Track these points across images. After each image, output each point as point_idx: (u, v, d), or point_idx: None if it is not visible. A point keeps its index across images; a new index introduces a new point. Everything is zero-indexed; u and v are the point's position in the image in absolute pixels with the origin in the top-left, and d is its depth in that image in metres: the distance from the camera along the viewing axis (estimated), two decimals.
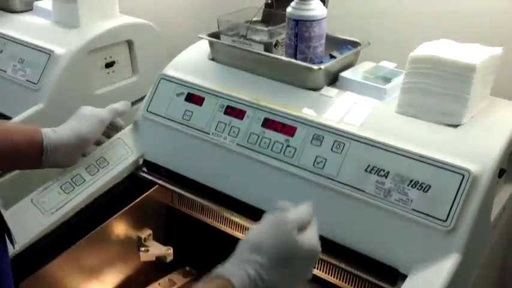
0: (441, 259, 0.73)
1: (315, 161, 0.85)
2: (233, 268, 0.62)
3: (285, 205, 0.69)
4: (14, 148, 0.85)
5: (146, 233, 1.04)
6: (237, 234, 1.00)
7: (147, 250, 1.01)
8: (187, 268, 1.13)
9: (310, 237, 0.67)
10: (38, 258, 0.86)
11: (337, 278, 0.88)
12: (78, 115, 0.94)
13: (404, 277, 0.75)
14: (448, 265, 0.72)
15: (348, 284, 0.87)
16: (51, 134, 0.89)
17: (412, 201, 0.76)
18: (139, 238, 1.03)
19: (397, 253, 0.77)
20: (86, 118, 0.93)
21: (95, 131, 0.94)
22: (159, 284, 1.07)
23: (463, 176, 0.74)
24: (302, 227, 0.67)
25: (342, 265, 0.84)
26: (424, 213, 0.75)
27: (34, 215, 0.89)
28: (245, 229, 0.98)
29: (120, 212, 0.98)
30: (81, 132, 0.92)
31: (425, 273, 0.73)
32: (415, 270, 0.74)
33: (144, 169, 1.03)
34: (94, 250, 0.96)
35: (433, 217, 0.74)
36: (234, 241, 1.00)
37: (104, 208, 0.96)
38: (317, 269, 0.90)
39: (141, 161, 1.03)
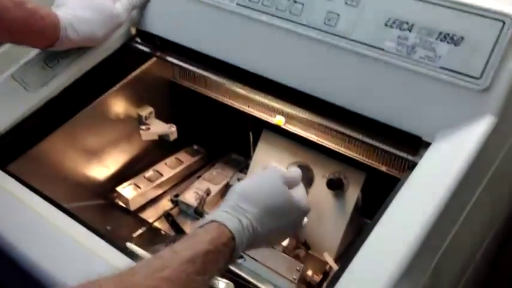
0: (472, 123, 0.63)
1: (325, 18, 0.73)
2: (226, 214, 0.60)
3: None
4: (28, 35, 0.79)
5: (147, 110, 0.96)
6: (244, 107, 0.91)
7: (148, 128, 0.94)
8: (195, 146, 1.07)
9: (299, 193, 0.69)
10: (27, 138, 0.79)
11: (350, 149, 0.80)
12: (99, 9, 0.84)
13: (428, 145, 0.66)
14: (480, 129, 0.62)
15: (365, 156, 0.79)
16: (71, 33, 0.81)
17: (440, 57, 0.65)
18: (139, 116, 0.96)
19: (420, 119, 0.68)
20: (106, 20, 0.85)
21: (110, 34, 0.88)
22: (165, 163, 1.02)
23: (503, 24, 0.61)
24: (291, 185, 0.68)
25: (359, 136, 0.76)
26: (454, 71, 0.64)
27: (17, 92, 0.81)
28: (256, 103, 0.90)
29: (115, 87, 0.90)
30: (98, 37, 0.85)
31: (453, 139, 0.63)
32: (441, 137, 0.65)
33: (138, 40, 0.92)
34: (90, 129, 0.89)
35: (465, 75, 0.63)
36: (241, 115, 0.93)
37: (96, 83, 0.87)
38: (328, 140, 0.82)
39: (133, 31, 0.92)
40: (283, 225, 0.65)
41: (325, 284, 0.78)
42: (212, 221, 0.58)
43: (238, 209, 0.60)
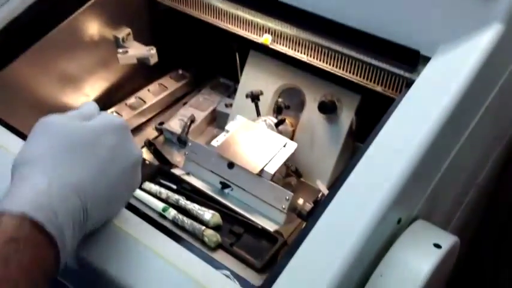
0: (477, 33, 0.56)
1: None
2: (15, 195, 0.42)
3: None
4: None
5: (124, 32, 0.89)
6: (229, 26, 0.83)
7: (126, 52, 0.86)
8: (180, 71, 1.00)
9: (99, 117, 0.50)
10: None
11: (342, 69, 0.73)
12: None
13: (427, 61, 0.59)
14: (485, 39, 0.55)
15: (359, 76, 0.72)
16: None
17: None
18: (116, 38, 0.88)
19: (418, 30, 0.61)
20: None
21: None
22: (148, 90, 0.96)
23: None
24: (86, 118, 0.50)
25: (352, 53, 0.70)
26: None
27: None
28: (241, 21, 0.82)
29: (85, 6, 0.82)
30: None
31: (455, 52, 0.57)
32: (442, 51, 0.58)
33: None
34: (62, 53, 0.82)
35: None
36: (226, 35, 0.86)
37: (63, 1, 0.79)
38: (319, 59, 0.75)
39: None
40: (98, 161, 0.46)
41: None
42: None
43: (30, 176, 0.43)
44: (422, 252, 0.49)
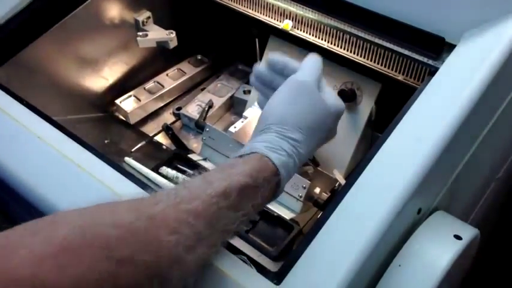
0: (505, 20, 0.55)
1: None
2: (268, 145, 0.51)
3: (277, 57, 0.60)
4: None
5: (144, 15, 0.88)
6: (249, 11, 0.82)
7: (146, 35, 0.86)
8: (199, 56, 1.00)
9: (331, 94, 0.58)
10: (11, 43, 0.73)
11: (363, 56, 0.72)
12: None
13: (452, 48, 0.58)
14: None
15: (380, 63, 0.71)
16: None
17: None
18: (136, 22, 0.88)
19: (443, 16, 0.59)
20: None
21: None
22: (167, 74, 0.96)
23: None
24: (320, 87, 0.57)
25: (374, 38, 0.68)
26: None
27: None
28: (261, 5, 0.81)
29: None
30: None
31: (482, 40, 0.55)
32: (468, 38, 0.57)
33: None
34: (83, 35, 0.82)
35: None
36: (246, 20, 0.85)
37: None
38: (340, 46, 0.74)
39: None
40: (322, 137, 0.57)
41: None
42: (253, 152, 0.50)
43: (280, 137, 0.52)
44: (442, 243, 0.48)
